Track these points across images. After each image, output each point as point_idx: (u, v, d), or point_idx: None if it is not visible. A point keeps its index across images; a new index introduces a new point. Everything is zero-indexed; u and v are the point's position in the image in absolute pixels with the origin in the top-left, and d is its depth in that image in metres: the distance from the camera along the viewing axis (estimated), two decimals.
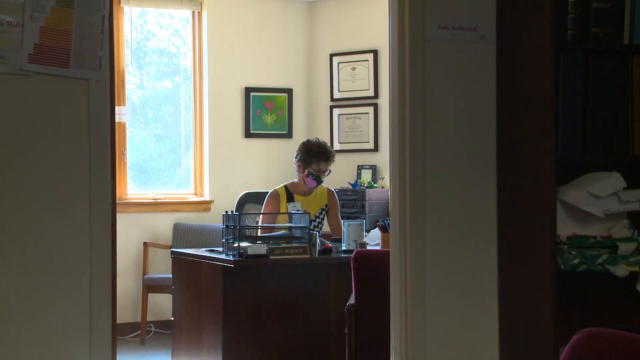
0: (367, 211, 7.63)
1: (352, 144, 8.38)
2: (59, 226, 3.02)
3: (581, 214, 3.20)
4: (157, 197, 8.09)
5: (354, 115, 8.40)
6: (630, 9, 3.24)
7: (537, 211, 3.18)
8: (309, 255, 5.21)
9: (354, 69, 8.39)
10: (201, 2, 8.25)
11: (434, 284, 3.39)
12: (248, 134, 8.36)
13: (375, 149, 8.29)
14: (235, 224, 5.22)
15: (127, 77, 8.01)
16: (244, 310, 5.07)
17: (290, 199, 5.90)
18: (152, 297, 7.67)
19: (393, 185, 3.47)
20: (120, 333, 7.50)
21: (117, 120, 7.14)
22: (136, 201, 8.00)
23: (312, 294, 5.23)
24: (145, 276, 7.68)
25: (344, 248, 5.41)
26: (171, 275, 5.87)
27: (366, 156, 8.33)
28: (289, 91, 8.51)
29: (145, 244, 7.84)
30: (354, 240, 5.39)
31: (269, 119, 8.43)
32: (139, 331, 7.64)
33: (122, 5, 7.96)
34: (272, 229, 5.60)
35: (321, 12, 8.55)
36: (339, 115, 8.46)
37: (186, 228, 7.92)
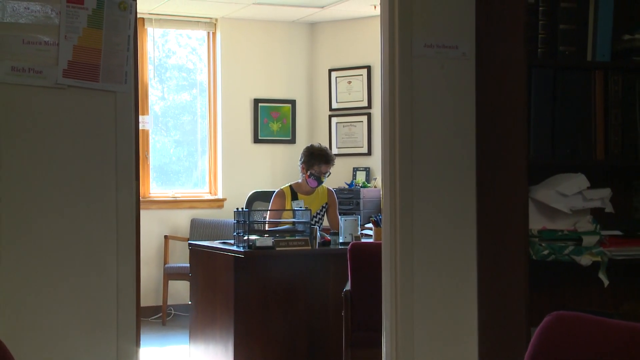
0: (361, 208, 7.64)
1: (348, 149, 8.38)
2: (89, 221, 3.02)
3: (550, 211, 3.20)
4: (176, 195, 8.10)
5: (350, 123, 8.41)
6: (592, 30, 3.24)
7: (511, 208, 3.18)
8: (310, 247, 5.22)
9: (350, 82, 8.39)
10: (215, 24, 8.25)
11: (420, 273, 3.38)
12: (256, 140, 8.37)
13: (369, 153, 8.30)
14: (245, 219, 5.23)
15: (150, 90, 8.02)
16: (252, 295, 5.08)
17: (294, 197, 5.90)
18: (172, 283, 7.68)
19: (384, 185, 3.47)
20: (144, 315, 7.50)
21: (140, 127, 7.16)
22: (158, 199, 8.01)
23: (313, 281, 5.23)
24: (166, 265, 7.69)
25: (341, 240, 5.41)
26: (189, 265, 5.88)
27: (361, 159, 8.34)
28: (293, 102, 8.51)
29: (166, 237, 7.85)
30: (350, 234, 5.40)
31: (274, 126, 8.44)
32: (161, 313, 7.65)
33: (145, 26, 7.97)
34: (278, 223, 5.61)
35: (321, 33, 8.56)
36: (336, 123, 8.46)
37: (202, 223, 7.92)
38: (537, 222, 3.17)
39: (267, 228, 5.56)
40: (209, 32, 8.30)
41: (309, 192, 5.95)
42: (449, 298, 3.42)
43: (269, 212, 5.84)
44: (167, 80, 8.43)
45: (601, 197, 3.23)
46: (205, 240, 7.15)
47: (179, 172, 8.44)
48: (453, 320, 3.42)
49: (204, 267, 5.50)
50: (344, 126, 8.43)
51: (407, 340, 3.37)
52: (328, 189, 6.09)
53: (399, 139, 3.37)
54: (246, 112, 8.35)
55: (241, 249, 5.09)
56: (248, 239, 5.15)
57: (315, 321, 5.21)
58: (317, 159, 5.84)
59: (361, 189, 7.82)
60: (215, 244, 5.53)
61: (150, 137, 8.03)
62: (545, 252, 3.11)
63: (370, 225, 5.70)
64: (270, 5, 7.75)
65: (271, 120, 8.42)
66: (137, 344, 3.09)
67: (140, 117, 7.42)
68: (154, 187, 8.13)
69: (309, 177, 5.86)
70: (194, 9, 7.89)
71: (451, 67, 3.41)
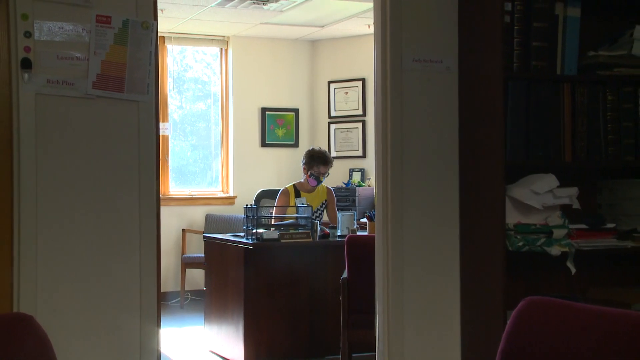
0: (357, 205, 7.64)
1: (345, 152, 8.39)
2: (115, 216, 3.02)
3: (524, 207, 3.20)
4: (192, 193, 8.10)
5: (346, 129, 8.41)
6: (561, 47, 3.25)
7: (490, 204, 3.19)
8: (311, 239, 5.22)
9: (346, 93, 8.39)
10: (227, 42, 8.26)
11: (409, 262, 3.39)
12: (264, 144, 8.38)
13: (364, 155, 8.30)
14: (254, 215, 5.23)
15: (169, 100, 8.03)
16: (260, 282, 5.08)
17: (297, 195, 5.91)
18: (189, 271, 7.68)
19: (377, 184, 3.48)
20: (164, 299, 7.52)
21: (161, 133, 7.16)
22: (176, 196, 8.01)
23: (314, 269, 5.23)
24: (184, 255, 7.69)
25: (339, 234, 5.41)
26: (204, 255, 5.88)
27: (356, 161, 8.34)
28: (296, 110, 8.52)
29: (183, 230, 7.85)
30: (347, 228, 5.40)
31: (280, 132, 8.44)
32: (179, 298, 7.65)
33: (165, 44, 7.97)
34: (283, 218, 5.61)
35: (321, 49, 8.56)
36: (335, 129, 8.46)
37: (215, 218, 7.92)
38: (512, 217, 3.18)
39: (273, 222, 5.56)
40: (221, 49, 8.30)
41: (310, 191, 5.96)
42: (434, 284, 3.42)
43: (274, 208, 5.84)
44: (184, 91, 8.43)
45: (569, 195, 3.24)
46: (218, 233, 7.15)
47: (195, 172, 8.44)
48: (438, 304, 3.43)
49: (217, 257, 5.50)
50: (341, 132, 8.43)
51: (398, 322, 3.37)
52: (327, 188, 6.09)
53: (390, 143, 3.38)
54: (254, 120, 8.36)
55: (250, 241, 5.10)
56: (256, 232, 5.15)
57: (316, 305, 5.21)
58: (316, 161, 5.85)
59: (357, 187, 7.83)
60: (227, 236, 5.54)
61: (169, 142, 8.03)
62: (520, 244, 3.11)
63: (365, 220, 5.71)
64: (276, 25, 7.75)
65: (277, 126, 8.42)
66: (158, 324, 3.10)
67: (161, 124, 7.41)
68: (173, 186, 8.13)
69: (309, 176, 5.86)
70: (209, 28, 7.89)
71: (436, 79, 3.41)
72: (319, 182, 5.89)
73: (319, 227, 5.35)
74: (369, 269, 3.65)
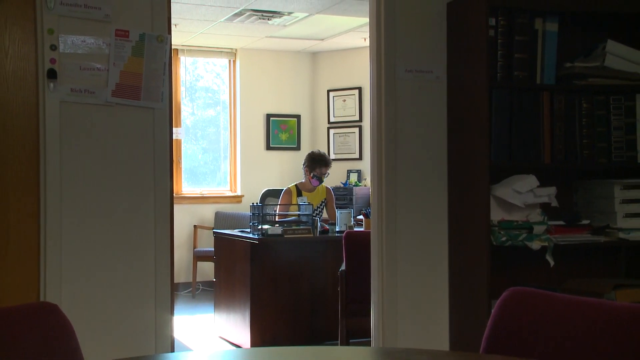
0: (354, 203, 7.65)
1: (343, 155, 8.39)
2: (133, 213, 3.03)
3: (508, 205, 3.21)
4: (203, 192, 8.11)
5: (344, 134, 8.41)
6: (540, 59, 3.25)
7: (476, 202, 3.19)
8: (312, 235, 5.22)
9: (344, 100, 8.40)
10: (235, 54, 8.26)
11: (402, 255, 3.39)
12: (268, 147, 8.38)
13: (360, 158, 8.31)
14: (259, 212, 5.23)
15: (182, 107, 8.03)
16: (265, 274, 5.08)
17: (299, 194, 5.91)
18: (200, 264, 7.68)
19: (373, 184, 3.48)
20: (177, 290, 7.52)
21: (174, 137, 7.17)
22: (188, 195, 8.02)
23: (314, 262, 5.23)
24: (195, 249, 7.69)
25: (337, 229, 5.42)
26: (213, 249, 5.88)
27: (353, 163, 8.34)
28: (298, 116, 8.52)
29: (194, 226, 7.86)
30: (345, 224, 5.40)
31: (283, 136, 8.44)
32: (190, 288, 7.65)
33: (179, 55, 7.98)
34: (286, 216, 5.62)
35: (321, 60, 8.57)
36: (333, 133, 8.47)
37: (224, 215, 7.93)
38: (497, 214, 3.18)
39: (277, 219, 5.57)
40: (230, 60, 8.31)
41: (311, 190, 5.96)
42: (425, 277, 3.43)
43: (278, 206, 5.84)
44: (196, 99, 8.44)
45: (548, 194, 3.24)
46: (226, 229, 7.15)
47: (205, 173, 8.45)
48: (428, 294, 3.43)
49: (226, 251, 5.50)
50: (339, 136, 8.44)
51: (392, 311, 3.38)
52: (326, 187, 6.09)
53: (384, 146, 3.38)
54: (260, 125, 8.36)
55: (256, 236, 5.10)
56: (261, 228, 5.15)
57: (316, 295, 5.21)
58: (318, 163, 5.85)
59: (354, 187, 7.83)
60: (235, 232, 5.54)
61: (182, 145, 8.04)
62: (504, 239, 3.12)
63: (361, 217, 5.71)
64: (280, 38, 7.76)
65: (280, 131, 8.43)
66: (172, 312, 3.10)
67: (174, 129, 7.43)
68: (185, 185, 8.14)
69: (312, 177, 5.86)
70: (218, 41, 7.90)
71: (427, 88, 3.42)
72: (321, 182, 5.90)
73: (319, 224, 5.35)
74: (365, 262, 3.65)
